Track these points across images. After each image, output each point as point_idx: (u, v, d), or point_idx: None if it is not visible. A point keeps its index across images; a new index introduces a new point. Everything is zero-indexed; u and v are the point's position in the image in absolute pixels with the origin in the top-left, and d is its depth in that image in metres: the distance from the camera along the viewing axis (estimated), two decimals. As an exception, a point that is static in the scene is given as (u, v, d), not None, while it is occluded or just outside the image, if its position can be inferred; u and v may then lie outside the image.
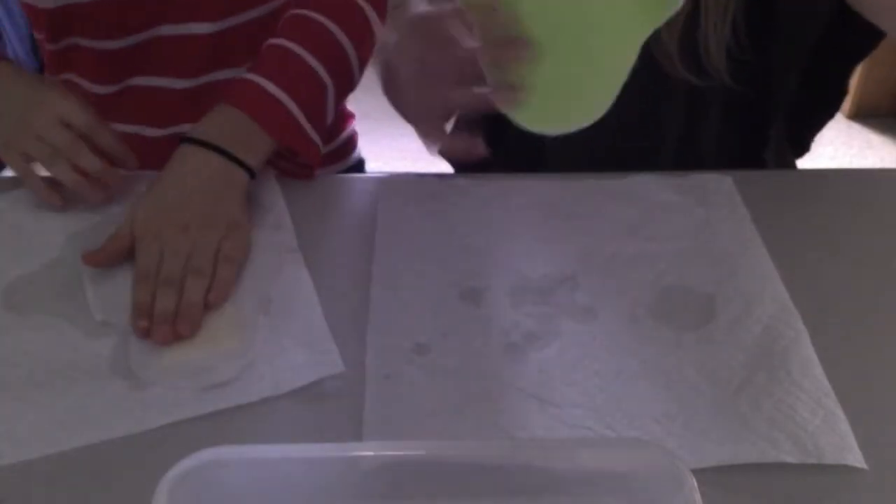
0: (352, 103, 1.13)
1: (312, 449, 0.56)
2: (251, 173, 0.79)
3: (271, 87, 0.81)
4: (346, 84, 0.89)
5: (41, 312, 0.70)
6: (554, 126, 0.66)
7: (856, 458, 0.59)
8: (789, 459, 0.58)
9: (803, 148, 0.99)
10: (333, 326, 0.69)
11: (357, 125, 1.14)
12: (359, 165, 1.14)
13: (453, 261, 0.75)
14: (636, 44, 0.61)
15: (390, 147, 1.32)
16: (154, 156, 0.81)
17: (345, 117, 1.11)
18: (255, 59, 0.84)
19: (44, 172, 0.80)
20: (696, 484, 0.50)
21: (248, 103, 0.80)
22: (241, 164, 0.78)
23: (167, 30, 0.91)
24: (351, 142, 1.12)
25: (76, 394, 0.63)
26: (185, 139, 0.79)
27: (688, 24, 0.79)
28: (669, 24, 0.61)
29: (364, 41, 0.89)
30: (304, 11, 0.86)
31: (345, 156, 1.11)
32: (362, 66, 0.90)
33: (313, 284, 0.72)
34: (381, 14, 0.91)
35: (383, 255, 0.76)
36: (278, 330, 0.68)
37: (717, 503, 0.51)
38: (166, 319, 0.68)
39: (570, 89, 0.63)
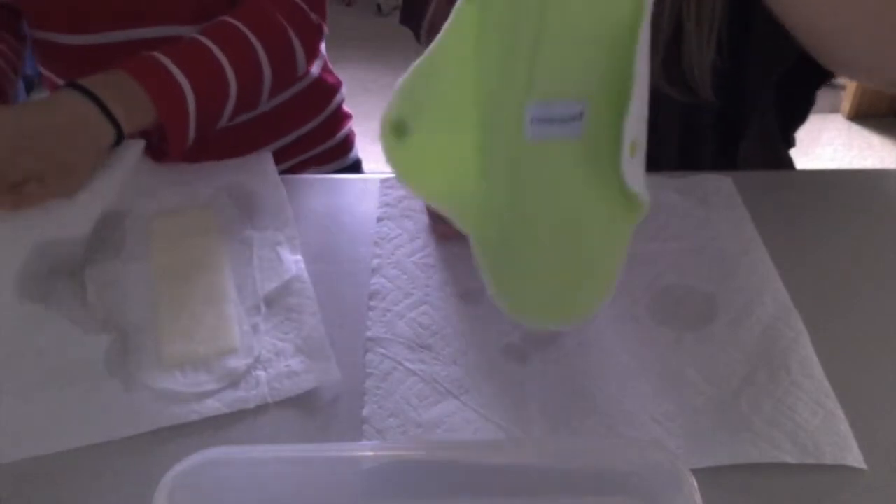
0: (351, 104, 1.13)
1: (312, 449, 0.56)
2: (119, 136, 0.78)
3: (172, 68, 0.81)
4: (251, 99, 0.90)
5: (41, 309, 0.70)
6: (550, 321, 0.62)
7: (855, 458, 0.59)
8: (789, 459, 0.59)
9: (788, 143, 0.99)
10: (333, 327, 0.69)
11: (356, 126, 1.14)
12: (355, 166, 1.14)
13: (453, 261, 0.75)
14: (625, 241, 0.57)
15: (390, 147, 1.32)
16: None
17: (342, 117, 1.11)
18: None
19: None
20: (696, 484, 0.50)
21: (142, 72, 0.80)
22: (112, 121, 0.77)
23: (141, 33, 0.91)
24: (347, 142, 1.12)
25: (72, 395, 0.63)
26: (67, 83, 0.78)
27: (670, 43, 0.79)
28: (653, 43, 0.59)
29: (283, 66, 0.91)
30: (233, 20, 0.87)
31: (341, 155, 1.11)
32: (274, 89, 0.91)
33: (313, 288, 0.72)
34: (308, 48, 0.92)
35: (383, 254, 0.76)
36: (277, 334, 0.68)
37: (717, 503, 0.51)
38: None
39: (565, 288, 0.59)
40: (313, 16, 0.93)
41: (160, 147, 0.84)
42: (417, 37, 0.94)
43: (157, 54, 0.82)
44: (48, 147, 0.75)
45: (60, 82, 0.97)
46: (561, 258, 0.56)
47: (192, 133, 0.83)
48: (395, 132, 0.54)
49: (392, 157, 0.54)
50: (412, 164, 0.55)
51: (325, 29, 0.96)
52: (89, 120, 0.77)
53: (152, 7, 0.90)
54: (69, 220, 0.75)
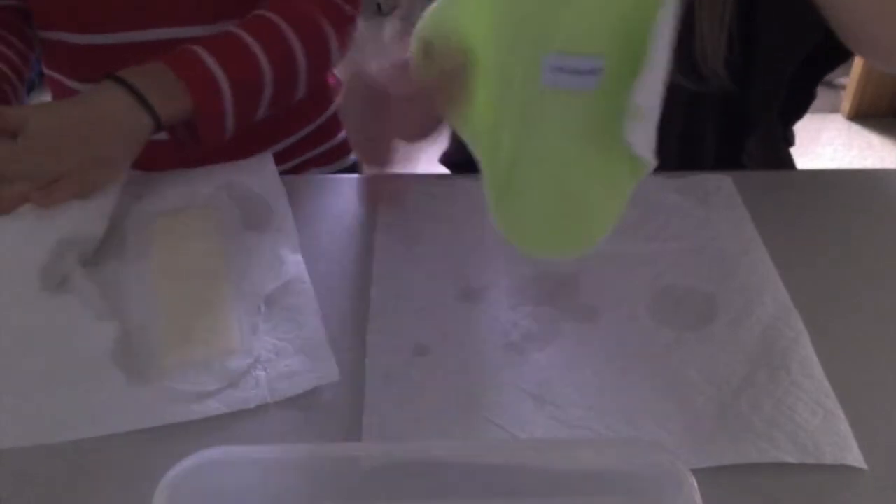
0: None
1: (312, 449, 0.56)
2: (157, 124, 0.79)
3: (209, 60, 0.81)
4: (288, 91, 0.90)
5: (46, 302, 0.70)
6: (543, 251, 0.66)
7: (855, 458, 0.59)
8: (789, 459, 0.58)
9: (787, 140, 1.00)
10: (333, 327, 0.69)
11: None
12: (355, 166, 1.14)
13: (453, 261, 0.75)
14: (626, 192, 0.60)
15: (390, 147, 1.32)
16: (141, 156, 0.80)
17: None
18: None
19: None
20: (696, 484, 0.50)
21: (180, 65, 0.80)
22: (150, 112, 0.78)
23: (155, 34, 0.91)
24: (347, 144, 1.12)
25: (75, 387, 0.63)
26: (106, 76, 0.79)
27: (682, 29, 0.79)
28: None
29: (318, 58, 0.91)
30: (267, 14, 0.87)
31: (341, 156, 1.11)
32: (309, 81, 0.91)
33: (313, 288, 0.72)
34: (342, 40, 0.92)
35: (383, 255, 0.76)
36: (277, 334, 0.68)
37: (716, 503, 0.51)
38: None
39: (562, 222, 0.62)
40: (347, 7, 0.93)
41: (194, 139, 0.84)
42: None
43: (194, 47, 0.82)
44: (90, 141, 0.76)
45: (68, 83, 0.97)
46: (562, 197, 0.59)
47: (229, 126, 0.84)
48: (423, 50, 0.59)
49: (419, 70, 0.60)
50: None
51: (358, 20, 0.97)
52: (128, 112, 0.78)
53: (166, 8, 0.90)
54: (86, 218, 0.75)
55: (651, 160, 0.55)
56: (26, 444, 0.60)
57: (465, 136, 0.62)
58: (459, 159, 1.03)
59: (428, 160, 0.92)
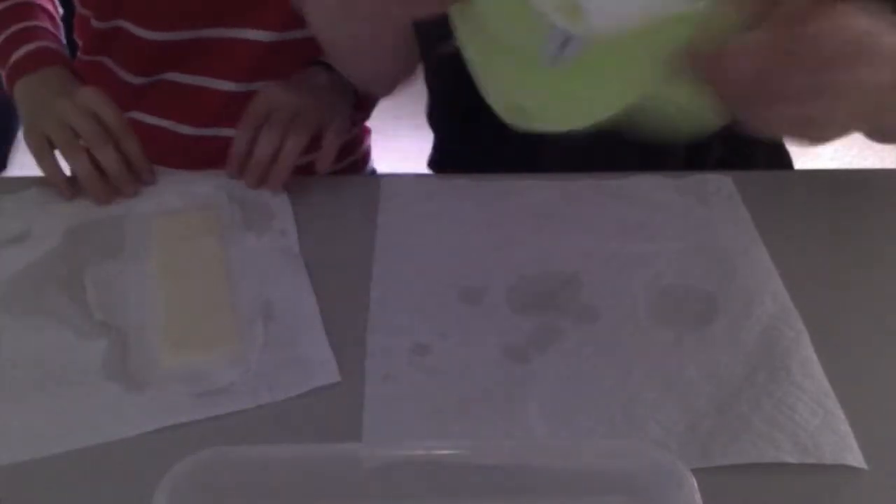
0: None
1: (312, 449, 0.56)
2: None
3: None
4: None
5: (36, 312, 0.70)
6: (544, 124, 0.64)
7: (856, 458, 0.59)
8: (789, 459, 0.58)
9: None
10: (333, 327, 0.69)
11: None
12: (356, 167, 1.13)
13: (453, 261, 0.75)
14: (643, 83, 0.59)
15: (390, 147, 1.32)
16: (183, 154, 0.81)
17: (363, 132, 1.11)
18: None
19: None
20: (696, 484, 0.50)
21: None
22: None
23: (219, 32, 0.91)
24: (348, 144, 1.12)
25: (70, 396, 0.63)
26: (312, 62, 0.88)
27: None
28: None
29: None
30: None
31: (341, 157, 1.11)
32: None
33: (314, 289, 0.72)
34: None
35: (383, 255, 0.76)
36: (277, 337, 0.68)
37: (716, 503, 0.51)
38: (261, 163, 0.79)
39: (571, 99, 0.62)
40: None
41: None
42: None
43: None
44: (331, 101, 0.85)
45: (120, 72, 0.96)
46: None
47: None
48: None
49: None
50: None
51: None
52: (343, 83, 0.88)
53: (242, 10, 0.90)
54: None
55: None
56: (24, 459, 0.59)
57: None
58: (445, 161, 1.03)
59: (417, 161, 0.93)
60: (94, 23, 0.94)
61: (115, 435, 0.61)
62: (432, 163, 1.06)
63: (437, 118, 1.03)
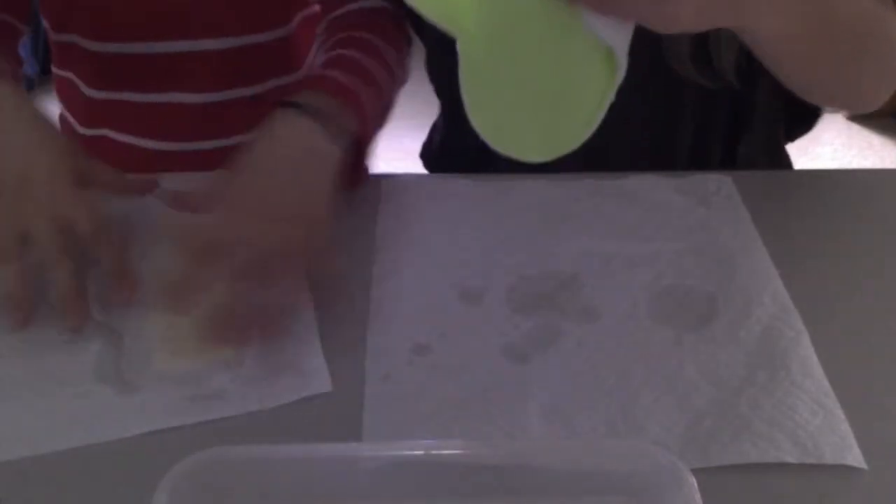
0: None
1: (312, 449, 0.56)
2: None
3: (343, 79, 0.78)
4: (397, 88, 0.89)
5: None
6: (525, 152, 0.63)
7: (856, 458, 0.59)
8: (789, 459, 0.58)
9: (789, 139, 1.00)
10: (333, 327, 0.69)
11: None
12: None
13: (453, 261, 0.75)
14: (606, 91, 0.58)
15: (390, 147, 1.32)
16: (151, 170, 0.79)
17: None
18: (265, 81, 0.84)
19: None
20: (696, 484, 0.50)
21: (335, 90, 0.75)
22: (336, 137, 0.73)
23: (173, 46, 0.90)
24: None
25: (62, 396, 0.63)
26: (282, 103, 0.72)
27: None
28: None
29: (402, 69, 0.89)
30: (349, 32, 0.86)
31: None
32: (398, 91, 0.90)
33: (312, 288, 0.72)
34: (401, 57, 0.90)
35: (383, 255, 0.76)
36: (270, 343, 0.68)
37: (716, 503, 0.51)
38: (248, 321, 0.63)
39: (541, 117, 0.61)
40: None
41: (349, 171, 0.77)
42: None
43: (323, 71, 0.79)
44: (296, 204, 0.68)
45: (82, 86, 0.94)
46: (542, 89, 0.59)
47: (376, 132, 0.82)
48: None
49: None
50: None
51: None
52: (322, 148, 0.71)
53: (196, 21, 0.89)
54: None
55: (622, 60, 0.55)
56: (16, 457, 0.59)
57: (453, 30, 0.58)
58: (445, 160, 1.03)
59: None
60: (53, 35, 0.93)
61: (106, 436, 0.61)
62: (429, 158, 1.06)
63: (442, 119, 1.03)
